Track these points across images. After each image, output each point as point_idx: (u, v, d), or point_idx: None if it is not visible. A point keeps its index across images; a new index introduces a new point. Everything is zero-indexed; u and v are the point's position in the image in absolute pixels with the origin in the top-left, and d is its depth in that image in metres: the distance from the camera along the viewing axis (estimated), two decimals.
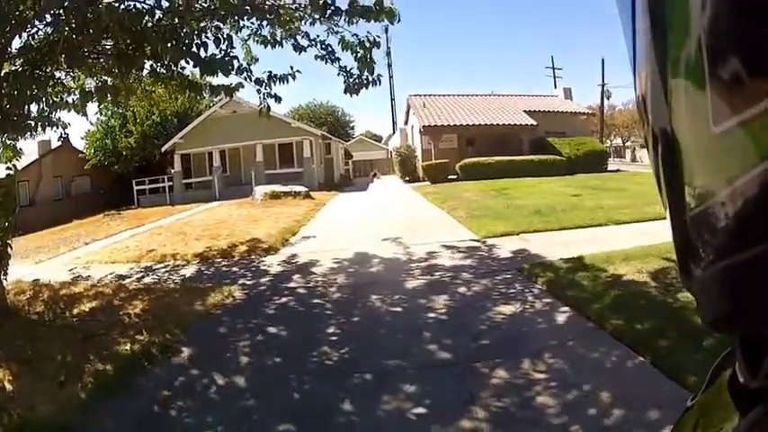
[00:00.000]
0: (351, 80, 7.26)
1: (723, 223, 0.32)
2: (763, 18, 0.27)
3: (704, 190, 0.34)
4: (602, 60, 48.13)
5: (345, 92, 7.32)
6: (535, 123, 29.94)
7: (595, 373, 4.16)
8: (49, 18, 6.47)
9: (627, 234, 8.82)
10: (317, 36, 7.32)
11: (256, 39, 7.55)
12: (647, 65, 0.38)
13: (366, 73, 7.07)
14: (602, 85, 44.21)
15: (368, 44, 6.94)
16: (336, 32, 6.98)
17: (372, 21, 6.69)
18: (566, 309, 5.73)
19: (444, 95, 34.72)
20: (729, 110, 0.29)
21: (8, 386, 5.03)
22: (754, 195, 0.29)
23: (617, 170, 28.59)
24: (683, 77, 0.33)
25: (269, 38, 7.48)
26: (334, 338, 5.58)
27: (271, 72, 7.29)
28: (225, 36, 6.80)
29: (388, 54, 38.17)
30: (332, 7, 6.64)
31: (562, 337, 5.02)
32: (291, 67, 7.27)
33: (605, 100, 45.66)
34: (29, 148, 14.29)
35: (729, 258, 0.32)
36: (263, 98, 7.43)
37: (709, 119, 0.31)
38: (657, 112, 0.38)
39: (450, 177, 26.45)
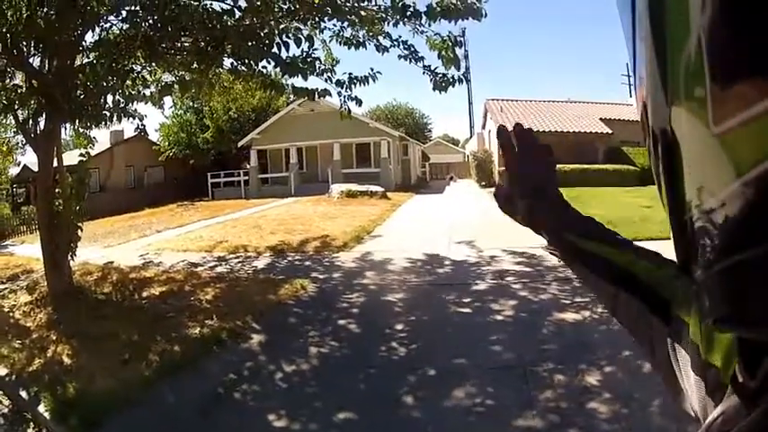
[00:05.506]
0: (437, 78, 7.23)
1: (723, 224, 0.32)
2: (762, 18, 0.27)
3: (704, 190, 0.34)
4: None
5: (434, 89, 7.27)
6: (610, 132, 28.97)
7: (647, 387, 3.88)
8: (124, 14, 6.66)
9: None
10: (400, 36, 7.35)
11: (339, 40, 7.62)
12: (647, 66, 0.38)
13: (453, 69, 7.07)
14: None
15: (450, 43, 6.91)
16: (422, 32, 6.96)
17: (454, 21, 6.67)
18: None
19: (522, 101, 34.08)
20: (729, 110, 0.30)
21: (66, 360, 5.27)
22: (754, 195, 0.29)
23: None
24: (683, 78, 0.34)
25: (351, 39, 7.55)
26: (402, 335, 5.63)
27: (351, 74, 7.37)
28: (305, 36, 6.86)
29: (466, 57, 37.79)
30: (411, 9, 6.67)
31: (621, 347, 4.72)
32: (372, 69, 7.36)
33: None
34: (101, 137, 14.80)
35: (730, 259, 0.33)
36: (344, 101, 7.52)
37: (709, 119, 0.31)
38: (657, 113, 0.39)
39: None
